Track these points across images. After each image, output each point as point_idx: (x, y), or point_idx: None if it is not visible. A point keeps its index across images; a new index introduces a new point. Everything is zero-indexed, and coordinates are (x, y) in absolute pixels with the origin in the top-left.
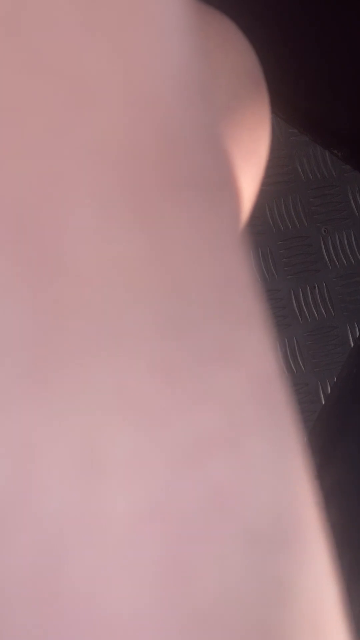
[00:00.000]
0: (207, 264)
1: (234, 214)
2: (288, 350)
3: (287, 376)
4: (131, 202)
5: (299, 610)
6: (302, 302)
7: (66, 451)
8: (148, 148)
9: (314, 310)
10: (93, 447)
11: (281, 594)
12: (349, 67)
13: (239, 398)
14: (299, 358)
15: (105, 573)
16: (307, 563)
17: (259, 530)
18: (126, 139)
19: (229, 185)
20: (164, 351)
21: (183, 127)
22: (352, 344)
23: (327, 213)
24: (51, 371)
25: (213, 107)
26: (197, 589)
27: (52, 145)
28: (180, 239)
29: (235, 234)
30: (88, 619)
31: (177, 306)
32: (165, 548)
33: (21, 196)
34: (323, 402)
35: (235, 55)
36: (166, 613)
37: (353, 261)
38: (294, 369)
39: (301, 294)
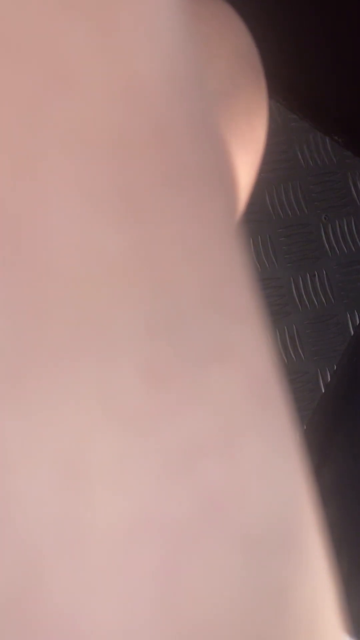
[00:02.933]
0: (200, 259)
1: (229, 204)
2: (287, 338)
3: (287, 365)
4: (117, 193)
5: (297, 616)
6: (302, 290)
7: (46, 460)
8: (136, 136)
9: (313, 298)
10: (75, 456)
11: (279, 600)
12: (350, 52)
13: (233, 400)
14: (298, 346)
15: (93, 591)
16: (305, 568)
17: (255, 536)
18: (111, 126)
19: (224, 173)
20: (153, 351)
21: (174, 114)
22: (352, 332)
23: (328, 200)
24: (29, 374)
25: (207, 93)
26: (193, 600)
27: (28, 132)
28: (172, 232)
29: (232, 226)
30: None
31: (167, 304)
32: (158, 560)
33: None
34: (323, 391)
35: (231, 40)
36: (161, 628)
37: (353, 248)
38: (294, 357)
39: (301, 282)
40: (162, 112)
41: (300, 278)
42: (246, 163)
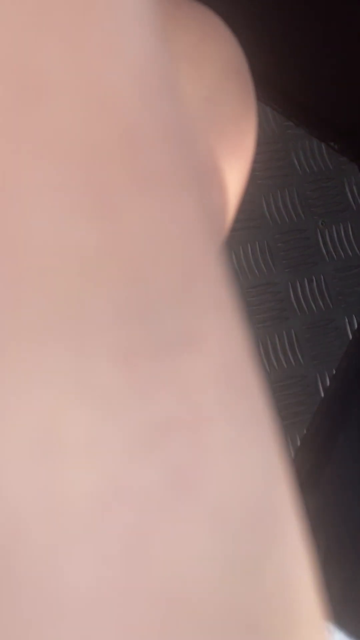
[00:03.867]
0: (170, 254)
1: (206, 206)
2: (286, 343)
3: (286, 369)
4: (90, 194)
5: (269, 590)
6: (300, 295)
7: (21, 432)
8: (107, 142)
9: (312, 303)
10: (49, 430)
11: (249, 574)
12: (345, 58)
13: (202, 385)
14: (297, 351)
15: (65, 555)
16: (278, 543)
17: (224, 510)
18: (83, 134)
19: (203, 177)
20: (123, 336)
21: (145, 121)
22: (350, 336)
23: (324, 206)
24: (3, 351)
25: (183, 100)
26: (160, 570)
27: (3, 141)
28: (143, 228)
29: (208, 224)
30: (46, 602)
31: (137, 294)
32: (128, 527)
33: None
34: (322, 395)
35: (219, 48)
36: (128, 595)
37: (351, 253)
38: (293, 362)
39: (299, 287)
40: (132, 119)
41: (298, 283)
42: (236, 168)
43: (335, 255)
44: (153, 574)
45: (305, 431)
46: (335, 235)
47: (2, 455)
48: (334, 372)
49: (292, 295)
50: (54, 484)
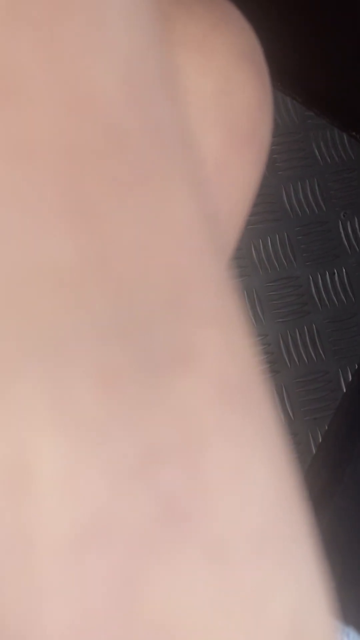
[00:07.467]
0: (161, 264)
1: (207, 208)
2: (308, 338)
3: (307, 364)
4: (66, 199)
5: (278, 621)
6: (322, 288)
7: None
8: (88, 143)
9: (333, 296)
10: (22, 464)
11: (256, 606)
12: None
13: (196, 405)
14: (318, 346)
15: (39, 609)
16: (287, 568)
17: (225, 541)
18: (61, 134)
19: (205, 176)
20: (106, 359)
21: (134, 121)
22: None
23: (346, 197)
24: None
25: (185, 96)
26: (152, 616)
27: None
28: (128, 238)
29: (205, 230)
30: None
31: (123, 311)
32: (111, 574)
33: None
34: (344, 390)
35: (231, 37)
36: (117, 636)
37: None
38: (314, 357)
39: (320, 281)
40: (116, 118)
41: (320, 276)
42: (250, 160)
43: (357, 248)
44: (143, 622)
45: (326, 427)
46: (357, 227)
47: None
48: (357, 367)
49: (313, 289)
50: (24, 528)
